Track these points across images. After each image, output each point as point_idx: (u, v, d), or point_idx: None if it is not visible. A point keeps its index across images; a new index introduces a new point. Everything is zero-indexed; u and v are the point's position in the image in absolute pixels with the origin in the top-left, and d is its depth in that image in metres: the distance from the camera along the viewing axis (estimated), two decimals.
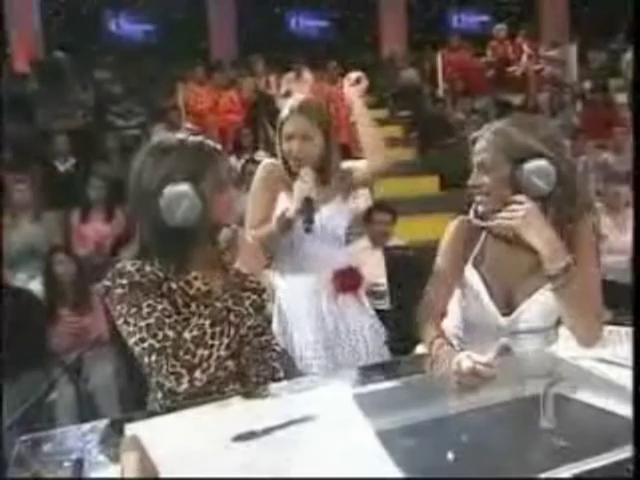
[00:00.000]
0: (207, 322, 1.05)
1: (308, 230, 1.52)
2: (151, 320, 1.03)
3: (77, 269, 2.81)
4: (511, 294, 1.28)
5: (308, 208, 1.51)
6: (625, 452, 0.80)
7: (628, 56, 6.92)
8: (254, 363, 1.17)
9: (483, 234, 1.33)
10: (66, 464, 0.72)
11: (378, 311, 1.99)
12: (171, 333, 1.02)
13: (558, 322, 1.30)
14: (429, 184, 5.56)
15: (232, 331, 1.06)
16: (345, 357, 1.62)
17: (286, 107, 1.65)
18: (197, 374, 1.01)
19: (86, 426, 0.92)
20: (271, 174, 1.66)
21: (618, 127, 5.06)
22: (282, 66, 6.75)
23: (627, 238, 3.35)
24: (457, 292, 1.35)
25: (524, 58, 7.40)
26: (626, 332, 1.23)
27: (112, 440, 0.85)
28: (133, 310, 1.04)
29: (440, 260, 1.34)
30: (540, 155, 1.18)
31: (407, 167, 5.93)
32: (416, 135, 6.35)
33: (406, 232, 3.54)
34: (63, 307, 2.71)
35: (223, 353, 1.05)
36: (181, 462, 0.75)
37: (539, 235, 1.16)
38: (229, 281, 1.12)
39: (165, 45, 8.45)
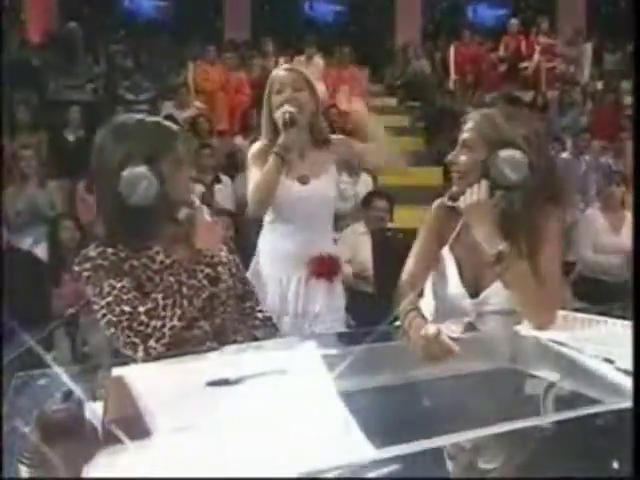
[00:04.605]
0: (160, 295, 1.13)
1: (280, 156, 1.58)
2: (110, 298, 1.12)
3: (81, 236, 2.92)
4: (480, 277, 1.35)
5: (291, 126, 1.58)
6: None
7: None
8: (232, 323, 1.25)
9: (462, 218, 1.38)
10: (57, 394, 0.80)
11: (363, 293, 2.04)
12: (127, 308, 1.12)
13: None
14: (433, 175, 5.60)
15: (185, 303, 1.14)
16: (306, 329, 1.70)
17: (273, 73, 1.72)
18: (151, 343, 1.10)
19: (77, 367, 1.02)
20: (262, 152, 1.71)
21: (625, 129, 5.07)
22: (294, 49, 6.76)
23: (620, 239, 3.40)
24: (432, 273, 1.42)
25: (537, 55, 7.38)
26: (613, 322, 1.27)
27: (100, 379, 0.95)
28: (97, 290, 1.14)
29: (418, 240, 1.41)
30: (516, 146, 1.24)
31: (412, 157, 5.98)
32: (423, 126, 6.38)
33: (407, 221, 3.61)
34: (65, 271, 2.81)
35: (177, 323, 1.13)
36: (159, 399, 0.84)
37: (480, 221, 1.24)
38: (184, 256, 1.19)
39: (178, 22, 8.46)
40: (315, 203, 1.70)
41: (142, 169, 1.11)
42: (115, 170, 1.12)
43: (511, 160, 1.23)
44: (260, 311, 1.35)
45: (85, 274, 1.16)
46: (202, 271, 1.18)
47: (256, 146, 1.76)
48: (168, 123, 1.23)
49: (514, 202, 1.27)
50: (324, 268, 1.73)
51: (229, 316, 1.26)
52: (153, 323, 1.11)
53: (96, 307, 1.14)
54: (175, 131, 1.22)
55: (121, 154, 1.14)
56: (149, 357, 1.09)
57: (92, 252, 1.17)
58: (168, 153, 1.17)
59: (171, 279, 1.15)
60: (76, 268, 1.17)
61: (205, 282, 1.18)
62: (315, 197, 1.70)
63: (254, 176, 1.69)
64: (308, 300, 1.72)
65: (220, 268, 1.21)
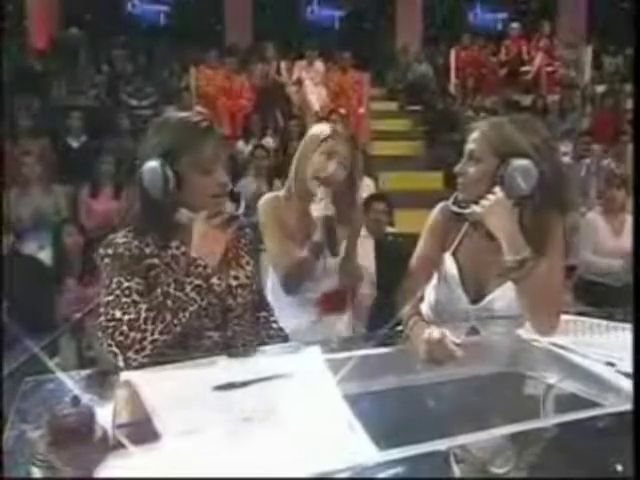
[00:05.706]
0: (143, 307, 1.08)
1: (334, 254, 1.54)
2: (110, 297, 1.09)
3: (85, 241, 2.93)
4: (483, 283, 1.35)
5: (330, 227, 1.51)
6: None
7: None
8: (242, 335, 1.23)
9: (465, 225, 1.38)
10: (66, 399, 0.81)
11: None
12: (118, 314, 1.07)
13: None
14: (433, 180, 5.60)
15: (169, 316, 1.07)
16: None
17: (327, 128, 1.62)
18: (130, 354, 1.04)
19: (86, 372, 1.03)
20: (275, 206, 1.64)
21: (625, 132, 5.08)
22: (295, 53, 6.79)
23: (621, 242, 3.40)
24: (434, 277, 1.43)
25: (538, 59, 7.40)
26: (613, 326, 1.29)
27: (108, 384, 0.96)
28: (106, 282, 1.11)
29: (421, 245, 1.40)
30: (526, 156, 1.22)
31: (412, 162, 6.00)
32: (424, 130, 6.40)
33: (407, 225, 3.62)
34: (69, 277, 2.83)
35: (159, 337, 1.06)
36: (167, 403, 0.85)
37: (502, 226, 1.22)
38: (173, 267, 1.15)
39: (180, 27, 8.50)
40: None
41: (155, 163, 1.10)
42: (141, 163, 1.13)
43: (522, 169, 1.21)
44: (275, 322, 1.34)
45: (105, 260, 1.13)
46: (191, 283, 1.11)
47: (268, 199, 1.67)
48: (206, 125, 1.16)
49: (524, 210, 1.26)
50: (333, 305, 1.69)
51: (242, 328, 1.23)
52: (132, 335, 1.05)
53: (100, 302, 1.10)
54: (212, 134, 1.16)
55: (149, 146, 1.15)
56: (130, 368, 1.03)
57: (119, 239, 1.14)
58: (191, 153, 1.13)
59: (158, 290, 1.10)
60: (100, 250, 1.14)
61: (193, 294, 1.11)
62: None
63: (274, 245, 1.60)
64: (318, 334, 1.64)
65: (214, 279, 1.15)
